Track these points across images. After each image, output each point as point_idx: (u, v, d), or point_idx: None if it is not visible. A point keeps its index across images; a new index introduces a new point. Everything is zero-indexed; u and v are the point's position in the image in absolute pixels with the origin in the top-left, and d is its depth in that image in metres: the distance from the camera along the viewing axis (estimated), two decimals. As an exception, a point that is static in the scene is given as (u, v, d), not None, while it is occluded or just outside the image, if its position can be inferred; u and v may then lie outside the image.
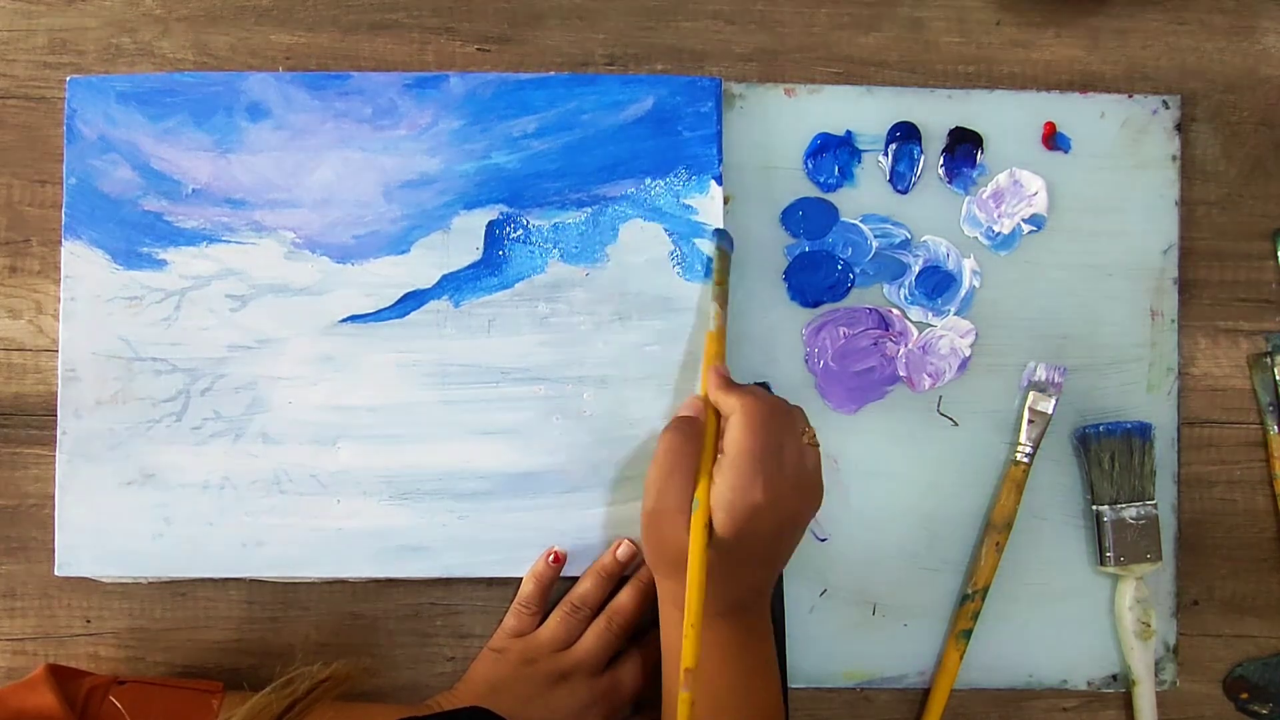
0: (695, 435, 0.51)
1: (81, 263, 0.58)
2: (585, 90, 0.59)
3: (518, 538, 0.58)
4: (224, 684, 0.55)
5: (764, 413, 0.50)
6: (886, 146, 0.60)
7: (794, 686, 0.59)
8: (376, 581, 0.59)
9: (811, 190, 0.61)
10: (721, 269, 0.57)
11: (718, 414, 0.52)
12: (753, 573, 0.51)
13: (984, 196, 0.61)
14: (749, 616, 0.52)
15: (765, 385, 0.59)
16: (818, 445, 0.52)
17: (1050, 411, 0.59)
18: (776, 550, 0.52)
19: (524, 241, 0.59)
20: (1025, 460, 0.59)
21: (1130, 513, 0.59)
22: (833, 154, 0.60)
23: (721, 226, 0.59)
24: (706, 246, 0.58)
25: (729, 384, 0.52)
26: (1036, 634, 0.60)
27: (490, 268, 0.59)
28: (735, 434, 0.49)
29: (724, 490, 0.48)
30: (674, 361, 0.58)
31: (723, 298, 0.56)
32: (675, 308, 0.58)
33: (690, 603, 0.47)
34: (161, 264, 0.58)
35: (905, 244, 0.61)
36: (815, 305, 0.60)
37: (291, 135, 0.58)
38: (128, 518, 0.57)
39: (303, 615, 0.59)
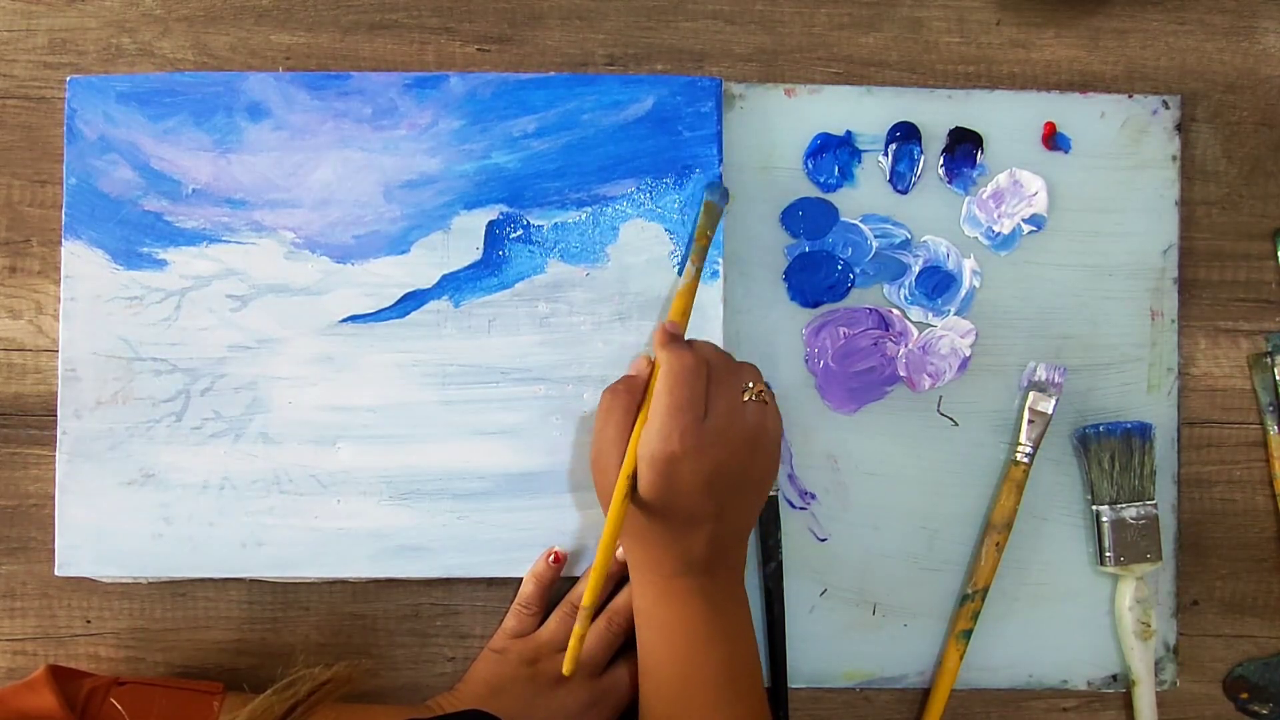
0: (629, 391, 0.52)
1: (81, 263, 0.58)
2: (585, 90, 0.59)
3: (518, 538, 0.58)
4: (224, 684, 0.55)
5: (688, 367, 0.50)
6: (886, 146, 0.60)
7: (794, 686, 0.59)
8: (376, 581, 0.59)
9: (811, 190, 0.61)
10: (706, 222, 0.57)
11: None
12: (700, 530, 0.51)
13: (984, 196, 0.61)
14: (705, 577, 0.52)
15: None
16: (768, 401, 0.52)
17: (1050, 411, 0.59)
18: (720, 505, 0.51)
19: (524, 241, 0.59)
20: (1025, 460, 0.59)
21: (1130, 513, 0.59)
22: (833, 154, 0.60)
23: (716, 181, 0.58)
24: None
25: (672, 340, 0.52)
26: (1036, 634, 0.60)
27: (490, 268, 0.59)
28: (656, 390, 0.50)
29: (645, 441, 0.49)
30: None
31: (700, 254, 0.56)
32: (675, 308, 0.59)
33: (603, 540, 0.50)
34: (161, 264, 0.58)
35: (905, 244, 0.61)
36: (815, 305, 0.60)
37: (291, 135, 0.58)
38: (128, 518, 0.57)
39: (303, 615, 0.59)
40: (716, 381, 0.51)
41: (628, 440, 0.51)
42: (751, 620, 0.54)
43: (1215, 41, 0.63)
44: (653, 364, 0.53)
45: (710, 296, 0.58)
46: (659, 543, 0.51)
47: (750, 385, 0.52)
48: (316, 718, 0.51)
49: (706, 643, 0.52)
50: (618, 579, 0.58)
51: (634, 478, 0.50)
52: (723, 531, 0.52)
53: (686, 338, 0.54)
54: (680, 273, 0.56)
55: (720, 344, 0.58)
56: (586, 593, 0.50)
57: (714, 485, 0.50)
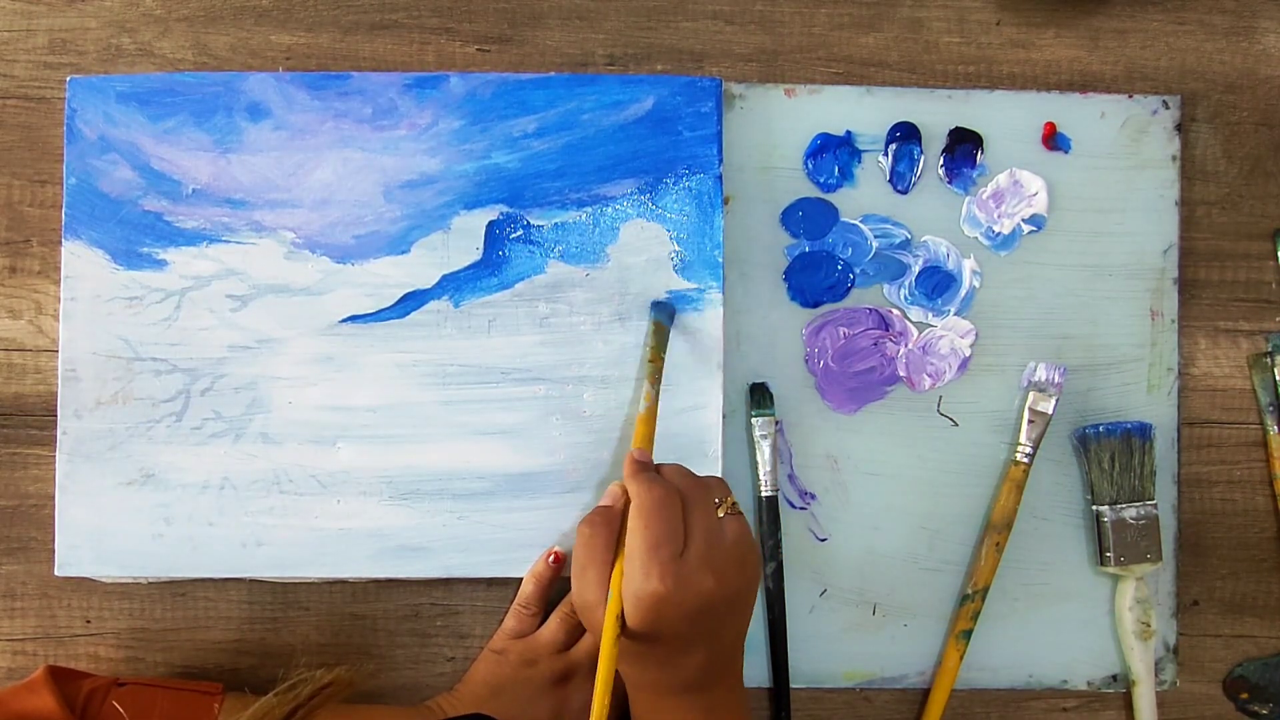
0: (606, 524, 0.50)
1: (81, 263, 0.58)
2: (585, 90, 0.59)
3: (518, 538, 0.58)
4: (224, 685, 0.55)
5: (657, 500, 0.48)
6: (886, 146, 0.60)
7: (794, 686, 0.59)
8: (376, 582, 0.59)
9: (811, 190, 0.61)
10: (657, 345, 0.56)
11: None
12: (695, 652, 0.49)
13: (984, 196, 0.61)
14: (705, 693, 0.50)
15: (764, 385, 0.59)
16: (739, 514, 0.50)
17: (1050, 411, 0.59)
18: (712, 628, 0.49)
19: (524, 241, 0.59)
20: (1025, 460, 0.59)
21: (1130, 513, 0.59)
22: (833, 154, 0.60)
23: (663, 299, 0.58)
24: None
25: (641, 469, 0.51)
26: (1036, 634, 0.60)
27: (490, 268, 0.59)
28: (630, 526, 0.48)
29: (628, 583, 0.47)
30: (674, 362, 0.58)
31: (655, 376, 0.55)
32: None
33: (597, 694, 0.46)
34: (161, 264, 0.58)
35: (905, 244, 0.61)
36: (815, 305, 0.60)
37: (291, 135, 0.58)
38: (128, 518, 0.57)
39: (303, 615, 0.59)
40: (690, 506, 0.49)
41: (609, 578, 0.48)
42: None
43: (1215, 41, 0.63)
44: (626, 492, 0.51)
45: (710, 297, 0.58)
46: (654, 665, 0.49)
47: (720, 500, 0.50)
48: (317, 718, 0.51)
49: None
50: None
51: (621, 615, 0.48)
52: (718, 650, 0.50)
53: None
54: (640, 398, 0.55)
55: (720, 344, 0.58)
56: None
57: (704, 614, 0.48)
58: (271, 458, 0.57)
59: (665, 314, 0.57)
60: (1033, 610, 0.60)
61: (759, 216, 0.60)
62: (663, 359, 0.56)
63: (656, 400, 0.55)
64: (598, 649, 0.56)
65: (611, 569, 0.49)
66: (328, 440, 0.58)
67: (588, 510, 0.57)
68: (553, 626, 0.57)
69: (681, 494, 0.49)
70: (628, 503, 0.50)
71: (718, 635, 0.49)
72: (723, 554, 0.48)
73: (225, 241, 0.58)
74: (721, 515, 0.49)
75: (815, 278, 0.60)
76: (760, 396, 0.59)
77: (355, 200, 0.58)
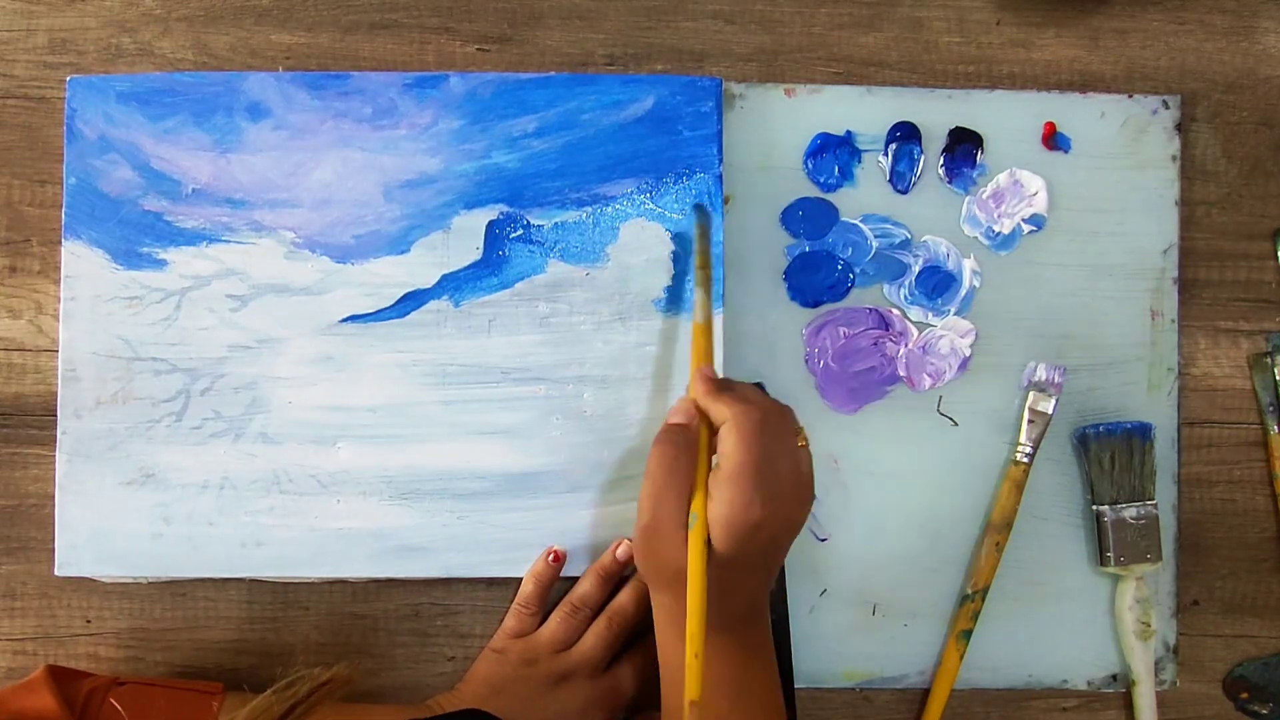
0: (688, 446, 0.49)
1: (81, 263, 0.58)
2: (585, 90, 0.59)
3: (518, 538, 0.58)
4: (224, 684, 0.55)
5: (758, 422, 0.47)
6: (886, 146, 0.60)
7: (794, 686, 0.59)
8: (376, 581, 0.59)
9: (811, 190, 0.61)
10: (702, 249, 0.56)
11: (709, 420, 0.49)
12: (749, 583, 0.49)
13: (984, 196, 0.61)
14: (748, 630, 0.50)
15: (760, 386, 0.59)
16: (808, 445, 0.50)
17: (1050, 411, 0.59)
18: (774, 559, 0.50)
19: (524, 241, 0.59)
20: (1025, 460, 0.59)
21: (1130, 513, 0.59)
22: (833, 154, 0.60)
23: (700, 203, 0.57)
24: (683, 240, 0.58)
25: (719, 387, 0.50)
26: (1036, 634, 0.60)
27: (490, 268, 0.59)
28: (729, 447, 0.47)
29: (722, 507, 0.46)
30: (674, 362, 0.58)
31: (706, 282, 0.54)
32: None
33: (691, 631, 0.45)
34: (161, 264, 0.58)
35: (905, 244, 0.61)
36: (815, 305, 0.60)
37: (291, 135, 0.58)
38: (127, 518, 0.57)
39: (303, 615, 0.59)
40: (776, 433, 0.48)
41: (689, 503, 0.47)
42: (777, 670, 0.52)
43: (1215, 41, 0.63)
44: (699, 411, 0.49)
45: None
46: (710, 599, 0.46)
47: (798, 431, 0.49)
48: (316, 718, 0.51)
49: (746, 693, 0.49)
50: (617, 579, 0.58)
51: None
52: (766, 582, 0.50)
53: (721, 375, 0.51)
54: (689, 310, 0.53)
55: (720, 344, 0.58)
56: (688, 686, 0.44)
57: (780, 540, 0.48)
58: (271, 458, 0.57)
59: (705, 216, 0.56)
60: (1033, 610, 0.60)
61: (759, 216, 0.60)
62: (710, 264, 0.54)
63: (710, 308, 0.53)
64: (597, 648, 0.56)
65: (690, 492, 0.47)
66: (328, 440, 0.58)
67: (588, 510, 0.58)
68: (553, 626, 0.57)
69: (768, 417, 0.48)
70: (702, 420, 0.49)
71: (774, 564, 0.50)
72: (802, 484, 0.49)
73: (225, 241, 0.58)
74: (800, 445, 0.49)
75: (815, 278, 0.60)
76: (760, 396, 0.59)
77: (355, 200, 0.58)
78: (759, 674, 0.50)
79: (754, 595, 0.50)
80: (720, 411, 0.48)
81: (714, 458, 0.48)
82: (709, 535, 0.46)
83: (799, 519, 0.49)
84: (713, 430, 0.49)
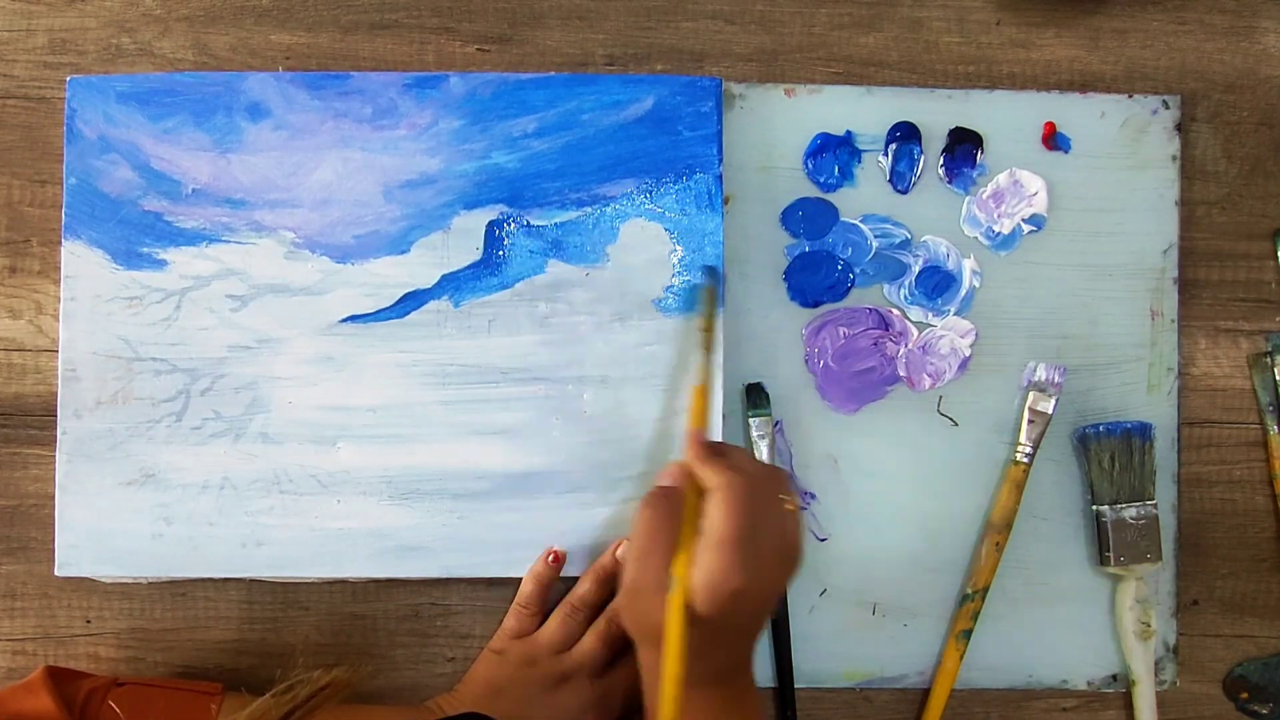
0: (672, 510, 0.49)
1: (81, 263, 0.58)
2: (585, 90, 0.59)
3: (518, 538, 0.58)
4: (223, 684, 0.55)
5: (744, 491, 0.47)
6: (886, 146, 0.60)
7: (795, 686, 0.59)
8: (376, 581, 0.59)
9: (811, 190, 0.61)
10: (708, 313, 0.55)
11: (698, 484, 0.49)
12: (733, 646, 0.49)
13: (984, 196, 0.61)
14: (732, 686, 0.50)
15: (759, 386, 0.59)
16: (797, 509, 0.50)
17: (1050, 411, 0.59)
18: (757, 624, 0.51)
19: (524, 241, 0.59)
20: (1025, 460, 0.59)
21: (1130, 513, 0.59)
22: (833, 154, 0.60)
23: (712, 264, 0.57)
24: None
25: (711, 452, 0.50)
26: (1036, 634, 0.60)
27: (490, 268, 0.58)
28: (715, 515, 0.46)
29: (704, 574, 0.46)
30: (674, 362, 0.58)
31: (708, 344, 0.54)
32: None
33: (667, 694, 0.45)
34: (161, 264, 0.58)
35: (905, 244, 0.61)
36: (815, 305, 0.60)
37: (291, 135, 0.58)
38: (128, 518, 0.57)
39: (303, 615, 0.59)
40: (764, 501, 0.48)
41: (672, 564, 0.47)
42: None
43: (1215, 41, 0.63)
44: (686, 474, 0.50)
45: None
46: (693, 655, 0.47)
47: (785, 494, 0.49)
48: (315, 718, 0.51)
49: None
50: (616, 580, 0.58)
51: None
52: (752, 641, 0.51)
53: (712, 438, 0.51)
54: (693, 371, 0.53)
55: (720, 344, 0.58)
56: None
57: (763, 607, 0.49)
58: (271, 458, 0.57)
59: (715, 277, 0.56)
60: (1033, 610, 0.60)
61: (759, 216, 0.60)
62: (715, 326, 0.54)
63: (710, 371, 0.53)
64: (597, 649, 0.56)
65: (673, 555, 0.47)
66: (328, 440, 0.58)
67: (588, 510, 0.58)
68: (553, 626, 0.57)
69: (755, 484, 0.48)
70: (690, 484, 0.49)
71: (758, 629, 0.50)
72: (787, 549, 0.49)
73: (225, 241, 0.58)
74: (786, 509, 0.49)
75: (815, 277, 0.60)
76: (756, 397, 0.59)
77: (355, 200, 0.58)
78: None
79: (738, 655, 0.50)
80: (710, 478, 0.48)
81: (701, 520, 0.48)
82: (690, 599, 0.46)
83: (781, 585, 0.50)
84: (702, 493, 0.49)
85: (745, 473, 0.48)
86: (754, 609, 0.49)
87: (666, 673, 0.46)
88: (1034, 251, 0.61)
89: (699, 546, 0.47)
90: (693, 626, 0.46)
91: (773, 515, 0.48)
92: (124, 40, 0.60)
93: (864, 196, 0.61)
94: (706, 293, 0.57)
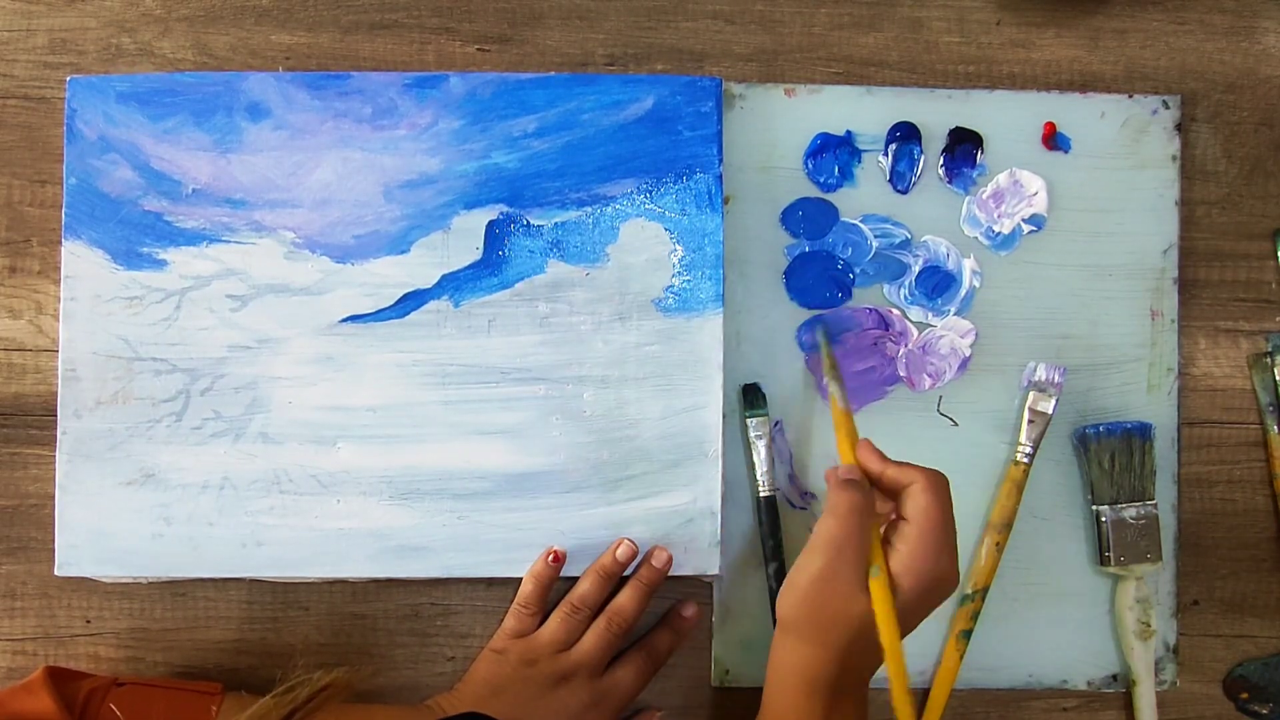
0: (869, 501, 0.50)
1: (81, 263, 0.58)
2: (585, 90, 0.59)
3: (518, 538, 0.58)
4: (223, 684, 0.55)
5: (946, 485, 0.50)
6: (886, 146, 0.60)
7: (794, 686, 0.59)
8: (376, 581, 0.59)
9: (811, 190, 0.61)
10: (829, 351, 0.57)
11: (882, 486, 0.51)
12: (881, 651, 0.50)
13: (984, 196, 0.61)
14: (855, 696, 0.51)
15: (756, 386, 0.59)
16: None
17: (1050, 411, 0.59)
18: (920, 621, 0.50)
19: (524, 241, 0.59)
20: (1025, 460, 0.59)
21: (1130, 513, 0.59)
22: (833, 154, 0.60)
23: (818, 316, 0.60)
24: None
25: (886, 457, 0.52)
26: (1036, 634, 0.60)
27: (490, 268, 0.59)
28: (922, 503, 0.49)
29: (913, 559, 0.48)
30: (674, 362, 0.58)
31: (838, 376, 0.56)
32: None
33: (894, 674, 0.47)
34: (161, 264, 0.58)
35: (905, 244, 0.60)
36: (815, 305, 0.60)
37: (291, 135, 0.58)
38: (128, 518, 0.57)
39: (303, 615, 0.59)
40: (951, 499, 0.50)
41: (865, 556, 0.48)
42: None
43: (1215, 41, 0.63)
44: (872, 479, 0.51)
45: (708, 292, 0.58)
46: (851, 663, 0.49)
47: None
48: (316, 718, 0.51)
49: None
50: (617, 579, 0.58)
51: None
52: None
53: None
54: (825, 399, 0.57)
55: (720, 344, 0.58)
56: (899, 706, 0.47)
57: (939, 603, 0.50)
58: (271, 458, 0.57)
59: (825, 330, 0.59)
60: (1033, 610, 0.60)
61: (759, 216, 0.60)
62: (837, 365, 0.57)
63: (846, 398, 0.55)
64: (597, 649, 0.56)
65: (870, 545, 0.49)
66: (328, 440, 0.58)
67: (588, 510, 0.58)
68: (553, 626, 0.57)
69: (947, 481, 0.50)
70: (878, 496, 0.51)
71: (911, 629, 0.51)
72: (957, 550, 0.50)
73: (225, 241, 0.58)
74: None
75: (815, 278, 0.60)
76: (753, 397, 0.59)
77: (355, 200, 0.58)
78: None
79: (876, 664, 0.50)
80: (907, 474, 0.50)
81: (903, 512, 0.50)
82: (895, 586, 0.48)
83: (954, 586, 0.50)
84: (888, 495, 0.51)
85: (936, 471, 0.50)
86: (936, 602, 0.50)
87: (889, 652, 0.48)
88: (1034, 251, 0.61)
89: (902, 535, 0.49)
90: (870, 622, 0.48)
91: (953, 515, 0.50)
92: (124, 40, 0.60)
93: (864, 196, 0.61)
94: (824, 341, 0.58)
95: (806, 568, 0.49)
